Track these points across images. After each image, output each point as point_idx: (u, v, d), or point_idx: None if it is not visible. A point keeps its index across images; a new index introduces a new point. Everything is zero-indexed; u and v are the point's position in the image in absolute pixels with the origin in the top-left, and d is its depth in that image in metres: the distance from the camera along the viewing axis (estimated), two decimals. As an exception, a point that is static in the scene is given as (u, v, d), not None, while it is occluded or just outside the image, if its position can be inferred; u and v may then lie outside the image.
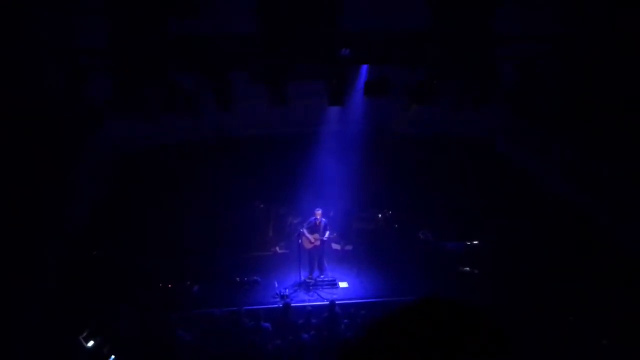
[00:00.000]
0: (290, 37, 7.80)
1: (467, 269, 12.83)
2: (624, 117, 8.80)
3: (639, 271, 9.46)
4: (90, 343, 9.29)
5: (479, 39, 8.42)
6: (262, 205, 15.16)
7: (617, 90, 8.63)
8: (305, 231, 12.79)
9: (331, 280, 12.65)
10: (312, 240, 12.79)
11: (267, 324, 10.17)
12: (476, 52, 8.56)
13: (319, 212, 12.88)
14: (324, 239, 12.88)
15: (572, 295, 10.30)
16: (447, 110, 11.24)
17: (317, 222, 12.80)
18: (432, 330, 1.06)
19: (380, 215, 15.32)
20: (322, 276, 12.82)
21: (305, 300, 11.87)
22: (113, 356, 9.38)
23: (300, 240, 12.81)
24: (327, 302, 11.14)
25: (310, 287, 12.41)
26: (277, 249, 14.79)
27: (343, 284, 12.66)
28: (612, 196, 10.21)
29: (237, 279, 12.57)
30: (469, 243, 13.64)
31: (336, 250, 14.72)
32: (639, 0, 7.42)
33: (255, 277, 12.76)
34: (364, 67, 10.97)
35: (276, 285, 12.55)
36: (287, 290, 12.25)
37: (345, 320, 10.47)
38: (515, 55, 9.34)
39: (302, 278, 12.65)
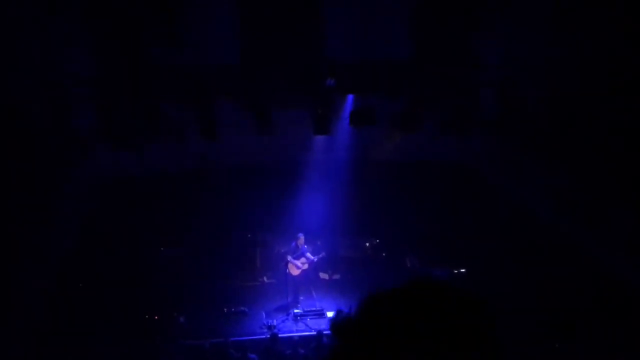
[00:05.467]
0: (274, 66, 7.94)
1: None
2: (605, 142, 8.99)
3: (626, 296, 9.53)
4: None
5: (460, 68, 8.64)
6: (249, 235, 15.09)
7: (600, 116, 8.83)
8: (290, 258, 12.70)
9: (319, 310, 12.51)
10: (300, 265, 12.70)
11: (253, 356, 10.01)
12: (458, 81, 8.76)
13: (301, 237, 12.84)
14: (315, 259, 12.77)
15: (557, 321, 10.31)
16: (431, 137, 11.41)
17: (298, 246, 12.74)
18: (421, 311, 1.09)
19: (367, 244, 15.29)
20: (298, 305, 12.69)
21: (293, 330, 11.73)
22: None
23: (287, 269, 12.72)
24: (315, 333, 11.03)
25: (298, 317, 12.27)
26: (265, 278, 14.63)
27: (331, 314, 12.53)
28: (595, 220, 10.33)
29: (225, 309, 12.42)
30: (455, 271, 13.63)
31: (324, 279, 14.63)
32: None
33: (242, 308, 12.59)
34: (350, 96, 11.11)
35: (263, 315, 12.41)
36: (274, 320, 12.10)
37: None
38: (497, 82, 9.55)
39: (290, 308, 12.53)
